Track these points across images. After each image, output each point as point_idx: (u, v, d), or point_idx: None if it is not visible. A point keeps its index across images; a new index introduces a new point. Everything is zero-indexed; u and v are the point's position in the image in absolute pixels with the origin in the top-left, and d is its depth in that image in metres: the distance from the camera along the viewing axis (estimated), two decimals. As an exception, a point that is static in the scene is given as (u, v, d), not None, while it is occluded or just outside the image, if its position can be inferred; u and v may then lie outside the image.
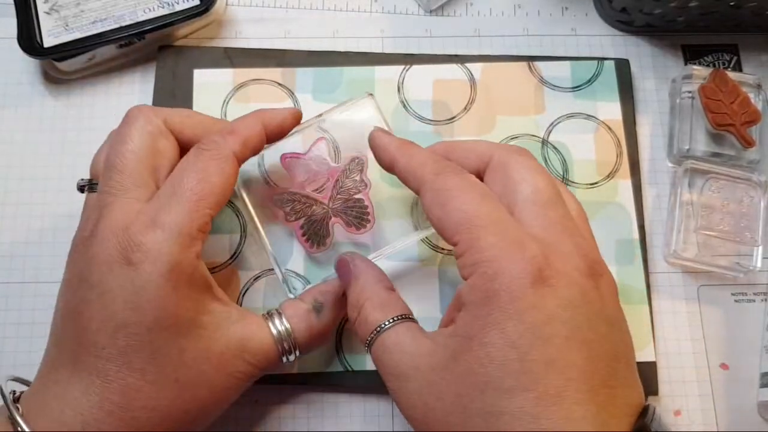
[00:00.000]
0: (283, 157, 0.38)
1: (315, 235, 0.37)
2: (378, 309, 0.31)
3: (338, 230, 0.38)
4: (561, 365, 0.26)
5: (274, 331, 0.33)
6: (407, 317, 0.31)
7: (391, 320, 0.31)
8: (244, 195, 0.37)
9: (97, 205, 0.32)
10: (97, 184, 0.34)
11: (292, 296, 0.36)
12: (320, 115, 0.38)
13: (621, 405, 0.27)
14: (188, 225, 0.30)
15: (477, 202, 0.30)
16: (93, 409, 0.28)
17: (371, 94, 0.39)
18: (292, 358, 0.34)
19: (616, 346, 0.29)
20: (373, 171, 0.37)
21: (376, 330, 0.31)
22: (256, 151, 0.34)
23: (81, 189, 0.35)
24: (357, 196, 0.38)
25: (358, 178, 0.38)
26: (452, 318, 0.29)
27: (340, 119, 0.38)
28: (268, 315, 0.34)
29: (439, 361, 0.28)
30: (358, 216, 0.37)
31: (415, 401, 0.29)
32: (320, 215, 0.37)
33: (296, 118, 0.36)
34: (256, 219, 0.37)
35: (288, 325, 0.33)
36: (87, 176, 0.35)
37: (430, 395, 0.28)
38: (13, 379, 0.32)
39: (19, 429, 0.28)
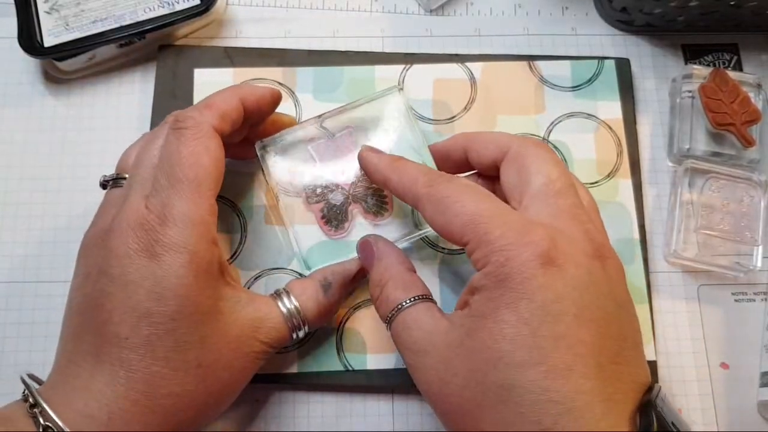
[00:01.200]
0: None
1: (334, 219, 0.38)
2: (400, 288, 0.33)
3: (357, 217, 0.38)
4: (570, 341, 0.27)
5: (284, 310, 0.34)
6: (427, 297, 0.33)
7: (411, 299, 0.32)
8: (269, 174, 0.38)
9: (120, 200, 0.32)
10: (121, 179, 0.34)
11: (307, 273, 0.37)
12: (321, 116, 0.39)
13: (628, 382, 0.28)
14: (196, 213, 0.31)
15: (475, 202, 0.31)
16: (119, 399, 0.29)
17: (401, 89, 0.40)
18: (301, 333, 0.34)
19: (623, 326, 0.30)
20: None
21: (397, 308, 0.32)
22: (236, 125, 0.34)
23: (104, 185, 0.35)
24: (376, 185, 0.39)
25: None
26: (466, 302, 0.31)
27: (369, 110, 0.40)
28: (276, 295, 0.35)
29: (454, 338, 0.30)
30: (377, 204, 0.39)
31: (432, 377, 0.30)
32: (340, 200, 0.39)
33: (275, 98, 0.37)
34: (278, 197, 0.38)
35: (296, 303, 0.34)
36: (88, 176, 0.35)
37: (446, 371, 0.30)
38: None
39: (46, 423, 0.28)
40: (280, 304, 0.34)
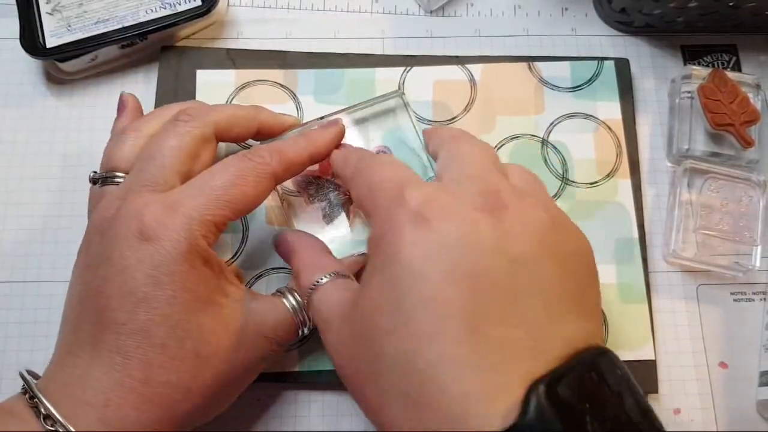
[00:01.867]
0: None
1: (336, 217, 0.39)
2: (311, 271, 0.33)
3: (357, 215, 0.39)
4: (437, 302, 0.25)
5: (289, 305, 0.34)
6: (339, 274, 0.32)
7: (322, 277, 0.32)
8: None
9: (123, 192, 0.32)
10: (112, 178, 0.34)
11: None
12: (321, 118, 0.39)
13: (518, 349, 0.25)
14: (209, 217, 0.31)
15: (379, 172, 0.31)
16: (115, 387, 0.28)
17: (402, 93, 0.40)
18: (306, 330, 0.34)
19: (518, 283, 0.26)
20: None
21: (309, 289, 0.32)
22: (293, 176, 0.35)
23: (95, 181, 0.35)
24: None
25: None
26: None
27: (370, 112, 0.40)
28: (280, 292, 0.35)
29: (346, 310, 0.30)
30: None
31: (332, 350, 0.30)
32: (341, 199, 0.39)
33: (340, 139, 0.37)
34: (279, 197, 0.39)
35: (301, 299, 0.34)
36: (86, 174, 0.36)
37: (339, 343, 0.30)
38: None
39: (46, 413, 0.28)
40: (284, 300, 0.34)
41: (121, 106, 0.38)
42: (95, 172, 0.36)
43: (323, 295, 0.32)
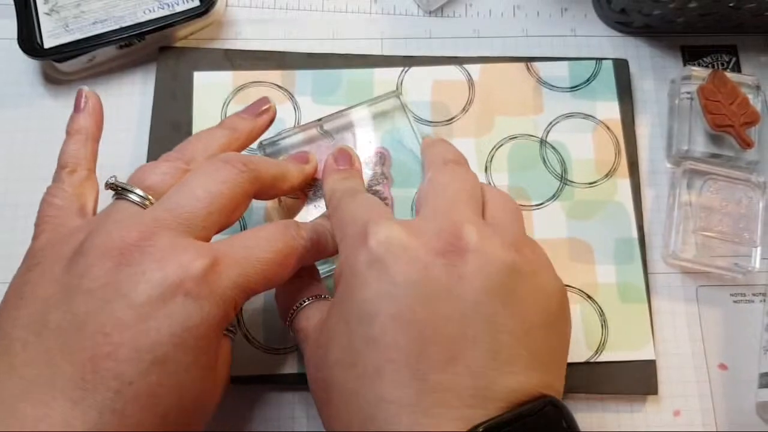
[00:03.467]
0: None
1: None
2: (296, 294, 0.33)
3: None
4: (382, 343, 0.26)
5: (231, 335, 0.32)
6: (321, 297, 0.33)
7: (304, 301, 0.33)
8: None
9: (153, 221, 0.28)
10: (130, 191, 0.30)
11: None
12: (320, 120, 0.40)
13: (464, 396, 0.25)
14: (250, 288, 0.29)
15: (349, 212, 0.31)
16: None
17: (400, 93, 0.41)
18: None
19: (467, 329, 0.26)
20: (396, 166, 0.40)
21: (292, 311, 0.33)
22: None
23: (112, 187, 0.31)
24: (376, 188, 0.39)
25: (379, 170, 0.39)
26: None
27: (368, 113, 0.40)
28: (228, 331, 0.31)
29: (317, 333, 0.31)
30: None
31: (306, 362, 0.31)
32: None
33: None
34: (279, 198, 0.38)
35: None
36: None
37: (309, 365, 0.30)
38: None
39: None
40: (229, 335, 0.31)
41: (79, 102, 0.35)
42: (115, 177, 0.31)
43: (302, 317, 0.32)
